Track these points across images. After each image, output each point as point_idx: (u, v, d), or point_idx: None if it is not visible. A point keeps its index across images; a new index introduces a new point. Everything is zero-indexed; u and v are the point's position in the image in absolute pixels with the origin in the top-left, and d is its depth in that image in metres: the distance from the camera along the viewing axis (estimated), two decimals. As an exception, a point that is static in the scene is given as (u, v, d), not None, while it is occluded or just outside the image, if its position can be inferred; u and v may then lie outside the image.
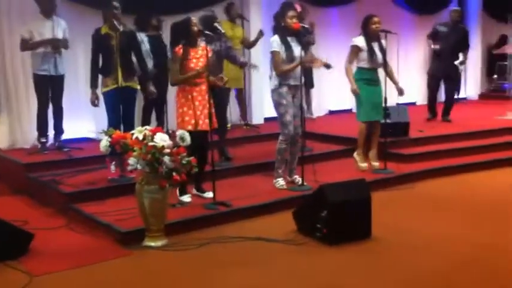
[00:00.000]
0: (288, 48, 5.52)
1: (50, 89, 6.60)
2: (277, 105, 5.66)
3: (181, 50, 5.17)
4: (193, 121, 5.15)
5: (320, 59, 5.72)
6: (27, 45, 6.50)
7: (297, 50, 5.54)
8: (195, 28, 5.16)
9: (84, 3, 7.26)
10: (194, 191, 5.41)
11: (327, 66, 5.75)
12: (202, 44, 5.22)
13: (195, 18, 5.29)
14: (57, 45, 6.46)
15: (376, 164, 6.42)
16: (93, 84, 5.82)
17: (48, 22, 6.46)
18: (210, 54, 5.16)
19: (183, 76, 5.17)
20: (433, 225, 4.84)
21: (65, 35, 6.62)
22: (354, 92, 6.21)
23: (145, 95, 6.29)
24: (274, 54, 5.54)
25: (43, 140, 6.67)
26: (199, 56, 5.19)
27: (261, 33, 7.49)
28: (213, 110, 5.21)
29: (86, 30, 6.67)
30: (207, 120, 5.17)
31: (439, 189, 6.02)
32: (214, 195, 5.12)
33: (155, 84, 6.20)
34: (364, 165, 6.40)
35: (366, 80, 6.24)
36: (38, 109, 6.65)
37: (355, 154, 6.50)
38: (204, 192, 5.37)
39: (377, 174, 6.23)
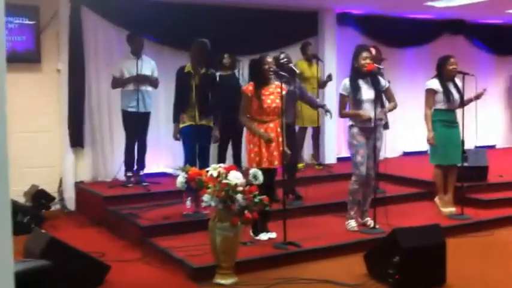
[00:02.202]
0: (357, 90, 5.51)
1: (136, 125, 6.85)
2: (349, 145, 5.71)
3: (251, 88, 5.25)
4: (257, 158, 5.19)
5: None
6: (118, 82, 6.84)
7: (369, 93, 5.52)
8: (267, 67, 5.24)
9: (168, 44, 7.66)
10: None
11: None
12: (276, 82, 5.32)
13: (270, 57, 5.36)
14: (141, 81, 6.70)
15: (452, 209, 6.22)
16: (176, 119, 6.01)
17: (138, 61, 6.74)
18: (284, 93, 5.24)
19: (250, 124, 5.26)
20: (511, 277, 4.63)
21: (154, 73, 6.88)
22: (429, 141, 6.08)
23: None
24: (340, 96, 5.68)
25: (129, 174, 6.94)
26: (272, 93, 5.24)
27: (329, 78, 7.84)
28: (282, 148, 5.22)
29: (166, 70, 7.01)
30: (274, 158, 5.20)
31: (519, 238, 5.76)
32: (285, 234, 5.12)
33: (229, 122, 6.28)
34: (446, 210, 6.19)
35: (443, 122, 6.11)
36: (126, 145, 6.89)
37: (436, 199, 6.32)
38: (267, 232, 5.34)
39: (453, 220, 6.03)
